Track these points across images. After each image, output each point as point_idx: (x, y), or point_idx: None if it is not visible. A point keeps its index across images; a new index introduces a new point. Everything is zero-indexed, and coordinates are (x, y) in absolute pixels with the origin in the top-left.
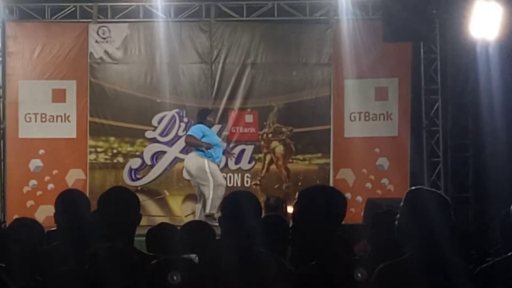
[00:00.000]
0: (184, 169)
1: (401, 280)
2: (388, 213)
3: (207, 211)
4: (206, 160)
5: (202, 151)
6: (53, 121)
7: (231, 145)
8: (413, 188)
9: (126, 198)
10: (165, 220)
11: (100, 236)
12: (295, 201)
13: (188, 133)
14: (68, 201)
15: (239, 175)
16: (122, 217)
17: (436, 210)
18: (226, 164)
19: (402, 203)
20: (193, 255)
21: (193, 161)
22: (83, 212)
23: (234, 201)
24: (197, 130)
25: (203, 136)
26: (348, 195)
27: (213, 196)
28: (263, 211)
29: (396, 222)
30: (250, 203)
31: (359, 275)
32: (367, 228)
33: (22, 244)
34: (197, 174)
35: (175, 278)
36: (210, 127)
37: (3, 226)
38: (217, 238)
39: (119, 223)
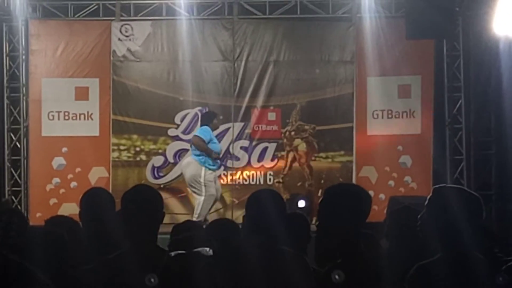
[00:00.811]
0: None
1: (436, 279)
2: (404, 210)
3: (194, 219)
4: (203, 170)
5: (202, 155)
6: (76, 119)
7: (254, 142)
8: (439, 186)
9: (150, 196)
10: (188, 218)
11: (124, 234)
12: (320, 198)
13: (197, 134)
14: (93, 199)
15: (262, 173)
16: (145, 215)
17: (464, 209)
18: (248, 162)
19: (427, 202)
20: (207, 248)
21: (190, 168)
22: (108, 210)
23: (258, 199)
24: (206, 133)
25: (209, 142)
26: (371, 193)
27: (202, 206)
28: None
29: (419, 221)
30: (274, 201)
31: (336, 277)
32: (385, 225)
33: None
34: (190, 182)
35: (152, 280)
36: (213, 130)
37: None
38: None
39: (143, 221)
